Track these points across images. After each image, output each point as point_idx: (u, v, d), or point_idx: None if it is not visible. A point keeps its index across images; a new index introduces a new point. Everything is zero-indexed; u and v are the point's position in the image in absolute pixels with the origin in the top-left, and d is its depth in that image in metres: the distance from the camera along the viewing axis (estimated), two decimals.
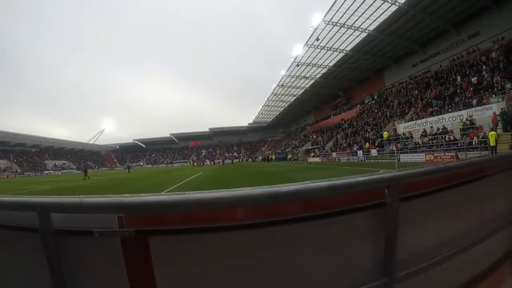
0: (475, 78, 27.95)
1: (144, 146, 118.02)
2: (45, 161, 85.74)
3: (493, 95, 24.10)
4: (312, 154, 57.96)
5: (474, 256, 2.08)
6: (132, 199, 1.30)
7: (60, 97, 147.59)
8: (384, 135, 36.25)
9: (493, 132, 20.05)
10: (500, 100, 22.66)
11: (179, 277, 1.44)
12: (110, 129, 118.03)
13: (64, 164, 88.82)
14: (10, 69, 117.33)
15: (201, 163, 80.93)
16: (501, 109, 21.89)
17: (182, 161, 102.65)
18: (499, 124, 21.70)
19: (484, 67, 28.14)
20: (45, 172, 76.58)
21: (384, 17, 36.57)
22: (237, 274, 1.49)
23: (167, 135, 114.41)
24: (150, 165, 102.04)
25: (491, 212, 2.33)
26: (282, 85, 64.48)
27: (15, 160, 77.72)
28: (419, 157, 27.40)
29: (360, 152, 39.30)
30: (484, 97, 25.17)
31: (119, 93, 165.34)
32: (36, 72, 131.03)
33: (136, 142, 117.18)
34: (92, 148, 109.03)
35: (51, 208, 1.35)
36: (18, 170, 72.78)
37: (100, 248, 1.42)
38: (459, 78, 30.82)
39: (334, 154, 47.47)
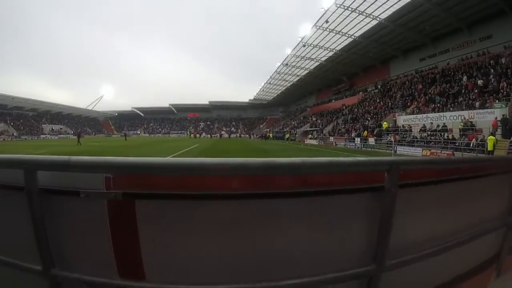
0: (482, 81, 28.17)
1: (142, 114, 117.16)
2: (42, 125, 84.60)
3: (497, 100, 24.35)
4: (310, 136, 58.03)
5: (464, 253, 2.09)
6: (120, 160, 1.28)
7: (60, 60, 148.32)
8: (383, 125, 36.48)
9: (492, 137, 20.35)
10: (504, 106, 22.92)
11: (165, 243, 1.44)
12: (109, 96, 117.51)
13: (61, 129, 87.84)
14: (9, 29, 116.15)
15: (199, 136, 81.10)
16: (503, 115, 22.16)
17: (179, 132, 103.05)
18: (499, 129, 21.96)
19: (492, 71, 28.30)
20: (42, 136, 75.84)
21: (397, 6, 36.02)
22: (225, 244, 1.49)
23: (167, 105, 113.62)
24: (147, 134, 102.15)
25: (486, 213, 2.32)
26: (287, 64, 64.07)
27: (12, 124, 76.56)
28: (416, 151, 27.64)
29: (357, 139, 39.42)
30: (488, 101, 25.41)
31: (121, 60, 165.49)
32: (37, 33, 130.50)
33: (134, 110, 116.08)
34: (90, 114, 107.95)
35: (38, 166, 1.34)
36: (14, 134, 71.76)
37: (86, 209, 1.41)
38: (465, 78, 30.94)
39: (331, 138, 47.70)
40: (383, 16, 39.00)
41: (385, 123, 36.85)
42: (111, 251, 1.41)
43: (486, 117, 23.88)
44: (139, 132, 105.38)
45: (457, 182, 2.00)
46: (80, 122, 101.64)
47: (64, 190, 1.40)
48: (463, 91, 29.93)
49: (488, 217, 2.30)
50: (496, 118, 22.65)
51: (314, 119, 67.79)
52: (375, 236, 1.58)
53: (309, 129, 63.73)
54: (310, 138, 56.29)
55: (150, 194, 1.38)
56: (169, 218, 1.43)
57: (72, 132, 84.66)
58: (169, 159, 1.31)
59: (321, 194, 1.52)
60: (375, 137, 36.09)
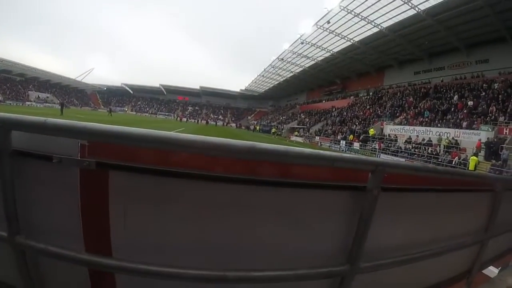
0: (472, 102, 28.89)
1: (131, 91, 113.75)
2: (29, 91, 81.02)
3: (485, 123, 25.02)
4: (296, 133, 58.47)
5: (437, 265, 2.12)
6: (98, 126, 1.20)
7: (53, 25, 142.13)
8: (370, 132, 37.02)
9: (475, 157, 20.93)
10: (490, 130, 23.63)
11: (135, 218, 1.38)
12: (100, 70, 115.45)
13: (47, 97, 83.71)
14: None
15: (186, 119, 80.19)
16: (488, 138, 22.77)
17: (166, 113, 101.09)
18: (482, 151, 22.53)
19: (483, 94, 29.03)
20: (27, 103, 72.34)
21: (400, 18, 36.37)
22: (200, 228, 1.44)
23: (157, 85, 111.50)
24: (134, 113, 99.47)
25: (463, 227, 2.35)
26: (282, 59, 63.82)
27: None
28: (399, 161, 27.78)
29: (343, 142, 39.97)
30: (475, 122, 26.03)
31: (115, 33, 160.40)
32: None
33: (124, 86, 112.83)
34: (79, 85, 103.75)
35: (12, 125, 1.25)
36: (0, 98, 69.74)
37: (57, 175, 1.35)
38: (456, 97, 31.63)
39: (317, 138, 48.28)
40: (385, 24, 39.27)
41: (372, 129, 37.41)
42: (79, 224, 1.35)
43: (471, 138, 24.54)
44: (126, 109, 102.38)
45: (439, 193, 2.01)
46: (68, 92, 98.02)
47: (38, 153, 1.32)
48: (452, 109, 30.58)
49: (463, 231, 2.33)
50: (480, 140, 23.31)
51: (302, 116, 68.18)
52: (351, 236, 1.56)
53: (296, 126, 64.08)
54: (296, 136, 56.69)
55: (126, 166, 1.31)
56: (144, 194, 1.36)
57: (59, 101, 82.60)
58: (149, 130, 1.21)
59: (303, 186, 1.48)
60: (360, 142, 36.46)
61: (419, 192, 1.88)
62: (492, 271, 3.35)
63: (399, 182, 1.73)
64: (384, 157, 29.32)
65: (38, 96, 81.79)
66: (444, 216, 2.14)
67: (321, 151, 1.38)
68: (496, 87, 28.41)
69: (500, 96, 26.97)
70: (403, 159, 27.53)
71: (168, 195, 1.37)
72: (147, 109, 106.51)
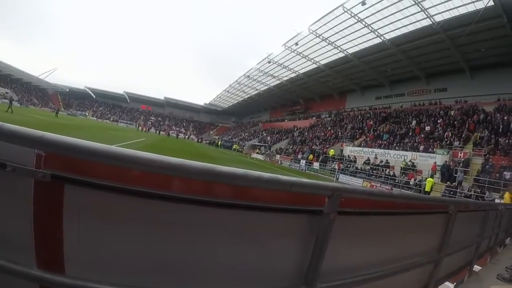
0: (429, 127, 30.07)
1: (94, 96, 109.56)
2: None
3: (440, 147, 25.91)
4: (257, 150, 58.50)
5: (393, 284, 2.19)
6: (56, 137, 1.13)
7: (20, 13, 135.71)
8: (330, 152, 37.44)
9: (431, 179, 21.67)
10: (446, 153, 24.52)
11: (89, 234, 1.30)
12: (64, 70, 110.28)
13: (6, 93, 79.25)
14: None
15: (147, 129, 77.88)
16: (445, 161, 23.60)
17: (128, 122, 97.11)
18: (437, 174, 23.31)
19: (440, 120, 30.25)
20: None
21: (366, 45, 37.69)
22: (152, 247, 1.38)
23: (121, 91, 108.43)
24: (95, 118, 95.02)
25: (417, 247, 2.48)
26: (249, 76, 64.03)
27: None
28: (357, 181, 28.49)
29: (303, 161, 40.25)
30: (432, 146, 26.97)
31: (83, 32, 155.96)
32: None
33: (87, 89, 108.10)
34: (41, 84, 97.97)
35: None
36: None
37: (10, 185, 1.25)
38: (414, 122, 32.81)
39: (278, 156, 48.28)
40: (351, 50, 40.55)
41: (332, 150, 37.90)
42: (31, 238, 1.25)
43: (427, 161, 25.34)
44: (87, 114, 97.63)
45: (393, 216, 2.16)
46: (29, 90, 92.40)
47: None
48: (410, 133, 31.68)
49: (419, 251, 2.51)
50: (435, 162, 24.20)
51: (264, 134, 68.38)
52: (308, 258, 1.61)
53: (257, 143, 64.00)
54: (257, 153, 56.75)
55: (81, 181, 1.24)
56: (99, 209, 1.30)
57: (17, 98, 78.21)
58: (108, 146, 1.16)
59: (261, 209, 1.50)
60: (320, 162, 36.75)
61: (376, 215, 2.01)
62: (448, 286, 3.76)
63: (355, 206, 1.83)
64: (343, 177, 29.73)
65: None
66: (401, 237, 2.30)
67: (279, 176, 1.43)
68: (452, 114, 29.77)
69: (455, 122, 28.27)
70: (361, 180, 28.05)
71: (123, 212, 1.32)
72: (109, 115, 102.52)
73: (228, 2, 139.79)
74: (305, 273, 1.61)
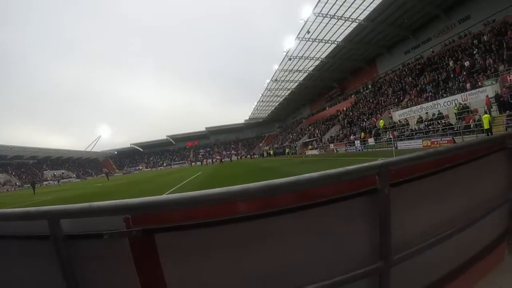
0: (468, 62, 27.99)
1: (141, 150, 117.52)
2: (44, 171, 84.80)
3: (486, 78, 24.14)
4: (310, 146, 57.79)
5: (470, 237, 2.14)
6: (136, 201, 1.35)
7: (54, 106, 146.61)
8: (380, 124, 36.30)
9: (486, 115, 20.14)
10: (494, 82, 22.70)
11: (185, 270, 1.51)
12: (106, 135, 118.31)
13: (63, 173, 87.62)
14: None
15: (200, 163, 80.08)
16: (495, 91, 21.90)
17: (180, 162, 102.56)
18: (494, 106, 21.68)
19: (476, 50, 28.21)
20: (45, 183, 75.49)
21: (373, 5, 36.45)
22: (237, 264, 1.55)
23: (164, 137, 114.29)
24: (149, 169, 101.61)
25: (486, 193, 2.35)
26: (276, 79, 64.07)
27: (13, 173, 77.01)
28: (416, 143, 27.33)
29: (357, 142, 39.15)
30: (478, 80, 25.17)
31: (114, 99, 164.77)
32: (27, 80, 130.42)
33: (133, 146, 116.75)
34: (90, 155, 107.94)
35: (60, 215, 1.40)
36: (17, 183, 71.90)
37: (110, 249, 1.48)
38: (451, 62, 30.85)
39: (331, 145, 47.35)
40: (362, 17, 39.34)
41: (381, 121, 36.64)
42: (139, 286, 1.48)
43: (479, 97, 23.57)
44: (140, 168, 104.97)
45: (451, 170, 2.08)
46: (81, 164, 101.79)
47: (88, 234, 1.47)
48: (452, 75, 29.74)
49: (490, 195, 2.37)
50: (487, 96, 22.42)
51: (311, 129, 67.58)
52: (377, 235, 1.68)
53: (307, 140, 63.34)
54: (311, 149, 56.05)
55: (167, 228, 1.47)
56: (186, 246, 1.51)
57: (75, 175, 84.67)
58: (181, 194, 1.38)
59: (319, 205, 1.61)
60: (374, 137, 35.73)
61: (431, 175, 1.97)
62: None
63: (407, 174, 1.86)
64: (401, 144, 28.83)
65: (54, 174, 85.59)
66: (463, 189, 2.23)
67: (328, 171, 1.54)
68: (486, 39, 27.64)
69: (492, 46, 26.22)
70: (420, 140, 27.04)
71: (205, 243, 1.53)
72: (161, 162, 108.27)
73: (233, 25, 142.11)
74: (378, 250, 1.68)
